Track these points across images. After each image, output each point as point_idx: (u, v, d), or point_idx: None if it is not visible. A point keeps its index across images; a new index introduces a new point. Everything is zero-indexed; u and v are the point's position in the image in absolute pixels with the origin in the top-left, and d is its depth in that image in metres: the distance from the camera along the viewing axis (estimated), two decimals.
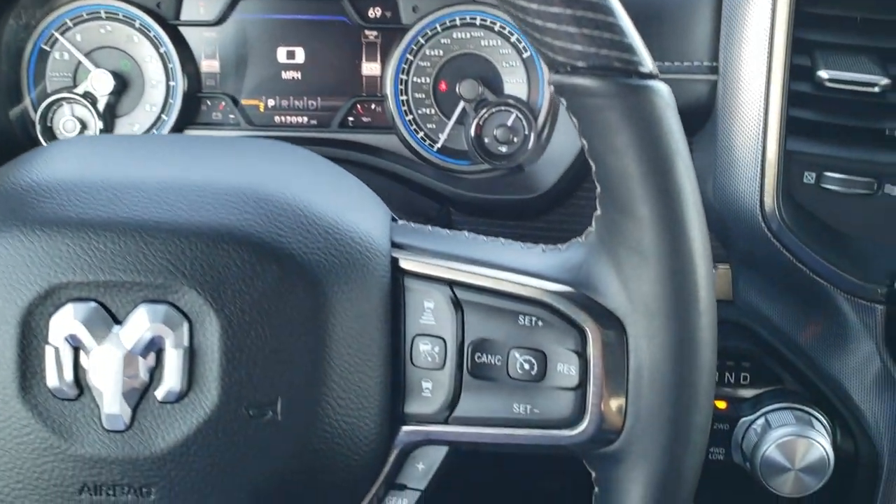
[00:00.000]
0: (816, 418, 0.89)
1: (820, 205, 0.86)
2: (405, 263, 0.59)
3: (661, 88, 0.54)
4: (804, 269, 0.85)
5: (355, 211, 0.59)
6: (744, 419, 0.90)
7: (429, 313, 0.58)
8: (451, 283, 0.58)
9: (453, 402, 0.58)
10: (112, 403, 0.54)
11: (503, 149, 0.99)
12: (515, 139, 0.99)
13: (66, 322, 0.54)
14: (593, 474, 0.60)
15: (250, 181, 0.57)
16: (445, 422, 0.58)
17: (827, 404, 0.90)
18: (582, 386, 0.57)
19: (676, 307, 0.54)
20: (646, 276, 0.54)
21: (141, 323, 0.54)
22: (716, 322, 0.55)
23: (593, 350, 0.57)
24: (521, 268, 0.58)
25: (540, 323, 0.58)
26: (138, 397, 0.54)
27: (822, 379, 0.90)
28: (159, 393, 0.54)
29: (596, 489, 0.60)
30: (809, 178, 0.85)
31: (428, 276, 0.58)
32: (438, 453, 0.60)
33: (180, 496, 0.54)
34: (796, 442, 0.85)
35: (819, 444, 0.85)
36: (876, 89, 0.81)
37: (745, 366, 0.91)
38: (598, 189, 0.56)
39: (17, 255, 0.54)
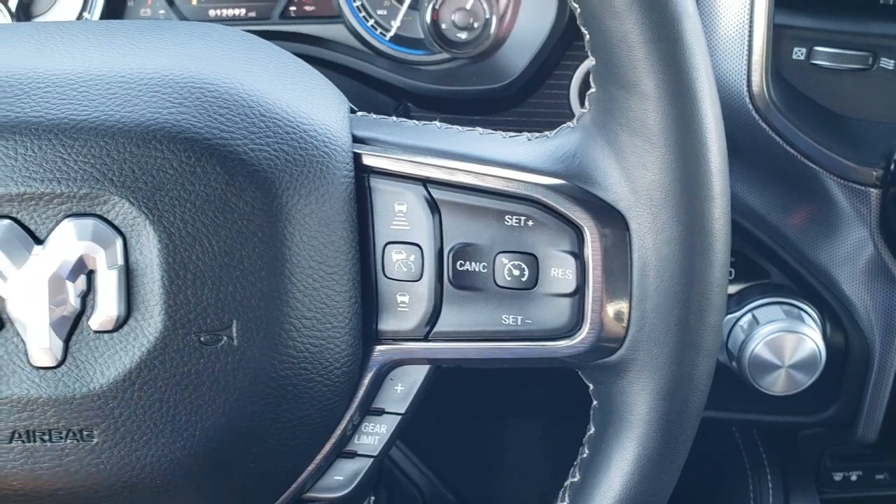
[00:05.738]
0: (806, 312, 0.87)
1: (811, 83, 0.82)
2: (370, 160, 0.53)
3: None
4: (794, 154, 0.82)
5: (309, 100, 0.53)
6: (729, 316, 0.87)
7: (401, 217, 0.53)
8: (425, 182, 0.53)
9: (433, 317, 0.53)
10: (39, 336, 0.48)
11: (463, 35, 0.94)
12: (476, 24, 0.94)
13: None
14: (591, 387, 0.55)
15: (184, 69, 0.51)
16: (425, 338, 0.54)
17: (816, 297, 0.87)
18: (579, 291, 0.52)
19: (686, 196, 0.49)
20: (651, 161, 0.49)
21: (66, 241, 0.48)
22: (729, 210, 0.50)
23: (591, 250, 0.52)
24: (505, 160, 0.53)
25: (530, 222, 0.52)
26: (70, 327, 0.49)
27: (811, 270, 0.87)
28: (94, 321, 0.49)
29: (595, 402, 0.55)
30: (799, 53, 0.82)
31: (397, 173, 0.53)
32: (419, 373, 0.55)
33: (126, 437, 0.49)
34: (786, 338, 0.83)
35: (810, 338, 0.83)
36: None
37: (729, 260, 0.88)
38: (594, 62, 0.51)
39: None
